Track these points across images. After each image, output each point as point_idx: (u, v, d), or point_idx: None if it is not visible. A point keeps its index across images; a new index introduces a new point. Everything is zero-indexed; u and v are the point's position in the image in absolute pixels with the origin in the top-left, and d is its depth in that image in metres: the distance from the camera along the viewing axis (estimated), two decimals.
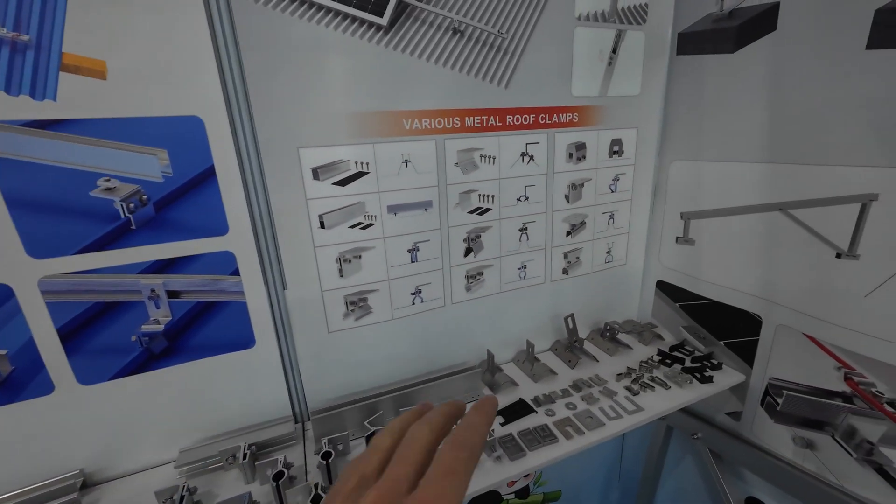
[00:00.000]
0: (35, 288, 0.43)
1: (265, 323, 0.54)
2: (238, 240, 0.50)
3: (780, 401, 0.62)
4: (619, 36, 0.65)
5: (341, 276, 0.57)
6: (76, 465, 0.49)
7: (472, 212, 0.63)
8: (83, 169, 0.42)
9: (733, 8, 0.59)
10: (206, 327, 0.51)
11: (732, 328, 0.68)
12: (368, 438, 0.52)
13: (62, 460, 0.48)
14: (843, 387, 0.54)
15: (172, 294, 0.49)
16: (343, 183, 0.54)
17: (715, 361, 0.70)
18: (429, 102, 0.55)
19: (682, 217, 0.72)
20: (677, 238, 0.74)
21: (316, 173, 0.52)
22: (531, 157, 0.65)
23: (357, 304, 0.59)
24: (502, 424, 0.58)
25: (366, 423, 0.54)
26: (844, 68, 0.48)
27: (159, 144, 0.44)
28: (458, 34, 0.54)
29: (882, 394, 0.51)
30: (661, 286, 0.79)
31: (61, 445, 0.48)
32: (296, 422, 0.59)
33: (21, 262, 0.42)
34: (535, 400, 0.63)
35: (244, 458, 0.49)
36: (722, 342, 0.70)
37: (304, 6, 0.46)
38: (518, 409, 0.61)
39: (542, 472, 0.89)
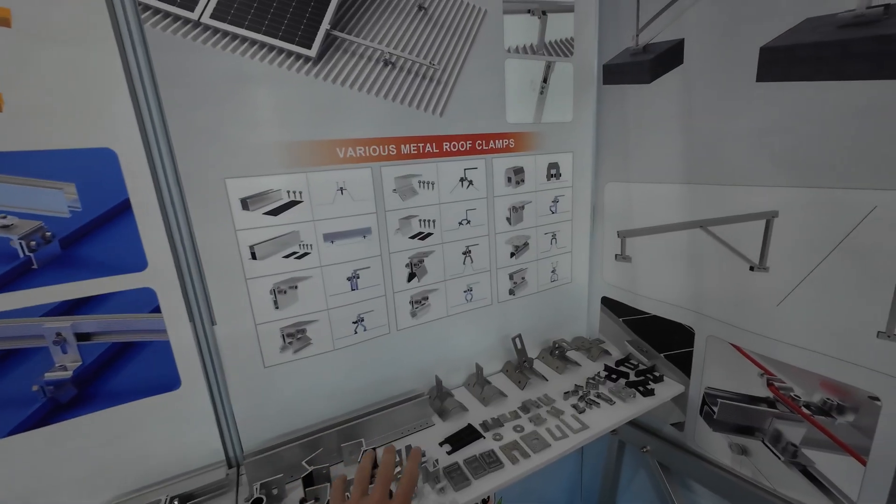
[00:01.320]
0: None
1: (192, 362, 0.51)
2: (159, 275, 0.47)
3: (715, 409, 0.64)
4: (548, 67, 0.69)
5: (276, 307, 0.55)
6: None
7: (413, 237, 0.63)
8: None
9: (647, 43, 0.64)
10: (123, 370, 0.47)
11: (670, 341, 0.70)
12: (305, 479, 0.49)
13: None
14: (766, 392, 0.57)
15: (82, 336, 0.45)
16: (275, 212, 0.52)
17: (657, 374, 0.72)
18: (363, 131, 0.56)
19: (618, 235, 0.76)
20: (616, 255, 0.77)
21: (245, 203, 0.51)
22: (470, 182, 0.66)
23: (295, 336, 0.57)
24: (449, 453, 0.57)
25: (303, 462, 0.51)
26: (740, 98, 0.53)
27: (66, 178, 0.42)
28: (390, 65, 0.56)
29: (799, 397, 0.54)
30: (606, 302, 0.82)
31: None
32: (230, 467, 0.55)
33: None
34: (484, 424, 0.62)
35: None
36: (662, 355, 0.72)
37: (227, 38, 0.46)
38: (465, 436, 0.60)
39: (500, 494, 0.87)
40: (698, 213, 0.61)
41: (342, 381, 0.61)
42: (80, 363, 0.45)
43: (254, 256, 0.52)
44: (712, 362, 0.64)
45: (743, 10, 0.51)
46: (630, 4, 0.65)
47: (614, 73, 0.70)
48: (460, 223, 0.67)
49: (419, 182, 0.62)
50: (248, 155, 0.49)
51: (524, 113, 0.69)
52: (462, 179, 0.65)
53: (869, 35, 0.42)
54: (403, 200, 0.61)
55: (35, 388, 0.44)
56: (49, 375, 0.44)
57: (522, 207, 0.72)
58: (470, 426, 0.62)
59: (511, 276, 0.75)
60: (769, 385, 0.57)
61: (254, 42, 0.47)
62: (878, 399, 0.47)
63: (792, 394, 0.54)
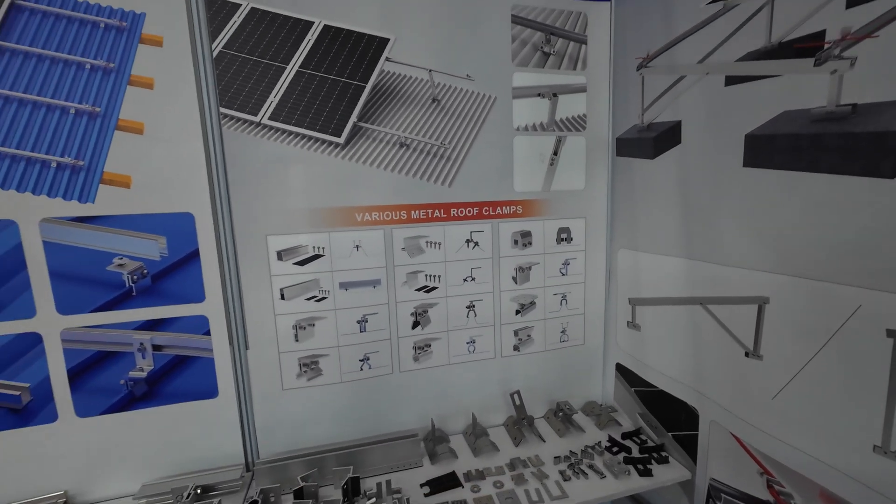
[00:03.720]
0: (57, 337, 0.57)
1: (227, 377, 0.64)
2: (211, 307, 0.62)
3: None
4: (559, 141, 0.75)
5: (296, 340, 0.66)
6: (62, 486, 0.59)
7: (419, 289, 0.72)
8: (104, 250, 0.57)
9: (651, 122, 0.66)
10: (179, 377, 0.62)
11: (677, 419, 0.67)
12: (297, 493, 0.58)
13: (52, 481, 0.59)
14: (767, 495, 0.52)
15: (156, 347, 0.61)
16: (302, 263, 0.65)
17: (664, 454, 0.68)
18: (378, 199, 0.67)
19: (629, 303, 0.75)
20: (627, 322, 0.76)
21: (280, 255, 0.64)
22: (476, 244, 0.73)
23: (309, 366, 0.68)
24: (426, 495, 0.61)
25: (298, 478, 0.60)
26: (731, 180, 0.53)
27: (161, 232, 0.59)
28: (405, 147, 0.67)
29: None
30: (620, 369, 0.80)
31: (53, 468, 0.59)
32: (247, 470, 0.67)
33: (50, 317, 0.56)
34: (468, 474, 0.65)
35: (187, 497, 0.57)
36: (670, 434, 0.68)
37: (277, 132, 0.61)
38: (445, 482, 0.63)
39: None
40: (698, 290, 0.60)
41: (346, 411, 0.70)
42: (153, 367, 0.61)
43: (283, 297, 0.65)
44: (716, 451, 0.59)
45: (730, 98, 0.53)
46: (636, 85, 0.68)
47: (624, 146, 0.73)
48: (465, 280, 0.74)
49: (426, 242, 0.71)
50: (285, 217, 0.63)
51: (532, 182, 0.74)
52: (468, 241, 0.73)
53: (838, 131, 0.41)
54: (411, 257, 0.70)
55: (122, 381, 0.60)
56: (132, 373, 0.60)
57: (529, 268, 0.77)
58: (454, 473, 0.65)
59: (516, 333, 0.78)
60: (769, 487, 0.51)
61: (297, 134, 0.62)
62: None
63: (792, 501, 0.49)
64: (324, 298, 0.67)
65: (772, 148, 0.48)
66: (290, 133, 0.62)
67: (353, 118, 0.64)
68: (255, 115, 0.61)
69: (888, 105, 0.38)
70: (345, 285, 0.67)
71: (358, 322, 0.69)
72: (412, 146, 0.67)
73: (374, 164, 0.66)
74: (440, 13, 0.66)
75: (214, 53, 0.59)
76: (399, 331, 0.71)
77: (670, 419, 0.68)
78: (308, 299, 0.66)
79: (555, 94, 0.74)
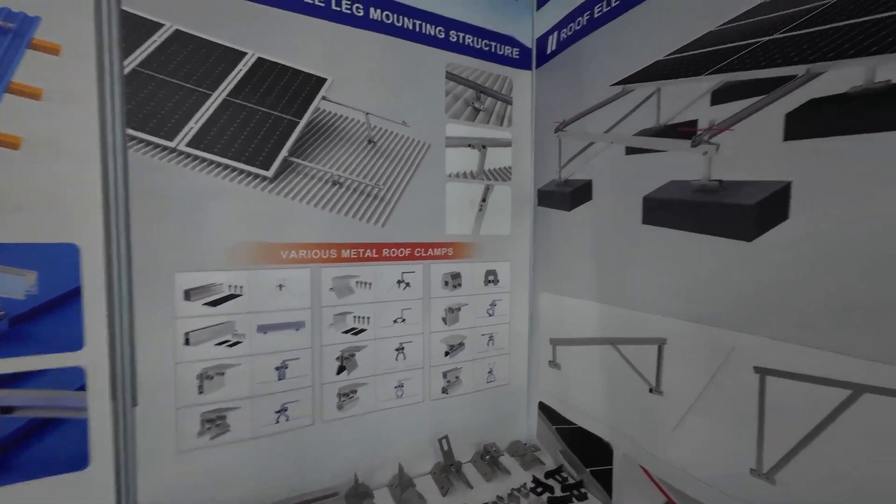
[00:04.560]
0: None
1: (105, 442, 0.53)
2: (91, 356, 0.52)
3: None
4: (487, 189, 0.80)
5: (200, 392, 0.58)
6: None
7: (346, 332, 0.68)
8: None
9: (568, 178, 0.74)
10: (35, 447, 0.50)
11: (594, 455, 0.70)
12: None
13: None
14: None
15: (5, 410, 0.49)
16: (215, 304, 0.59)
17: (583, 490, 0.71)
18: (307, 236, 0.64)
19: (550, 342, 0.80)
20: (549, 362, 0.80)
21: (188, 294, 0.57)
22: (407, 284, 0.73)
23: (214, 421, 0.59)
24: None
25: None
26: (634, 234, 0.61)
27: (33, 266, 0.49)
28: (339, 185, 0.66)
29: None
30: (543, 408, 0.83)
31: None
32: None
33: None
34: None
35: None
36: (589, 470, 0.72)
37: (196, 161, 0.56)
38: None
39: None
40: (609, 331, 0.66)
41: (257, 472, 0.62)
42: None
43: (187, 342, 0.57)
44: (628, 484, 0.64)
45: (630, 165, 0.61)
46: (555, 145, 0.77)
47: (545, 197, 0.81)
48: (395, 321, 0.72)
49: (357, 282, 0.69)
50: (198, 253, 0.57)
51: (463, 226, 0.78)
52: (399, 281, 0.72)
53: (710, 201, 0.50)
54: (339, 298, 0.67)
55: None
56: None
57: (459, 309, 0.78)
58: None
59: (445, 375, 0.77)
60: None
61: (219, 164, 0.58)
62: None
63: None
64: (238, 343, 0.60)
65: (662, 210, 0.57)
66: (212, 162, 0.57)
67: (284, 152, 0.62)
68: (171, 140, 0.55)
69: (745, 183, 0.47)
70: (264, 328, 0.62)
71: (277, 369, 0.63)
72: (346, 185, 0.66)
73: (304, 201, 0.63)
74: (381, 62, 0.68)
75: (126, 70, 0.53)
76: (323, 376, 0.67)
77: (588, 455, 0.72)
78: (219, 344, 0.59)
79: (484, 146, 0.79)
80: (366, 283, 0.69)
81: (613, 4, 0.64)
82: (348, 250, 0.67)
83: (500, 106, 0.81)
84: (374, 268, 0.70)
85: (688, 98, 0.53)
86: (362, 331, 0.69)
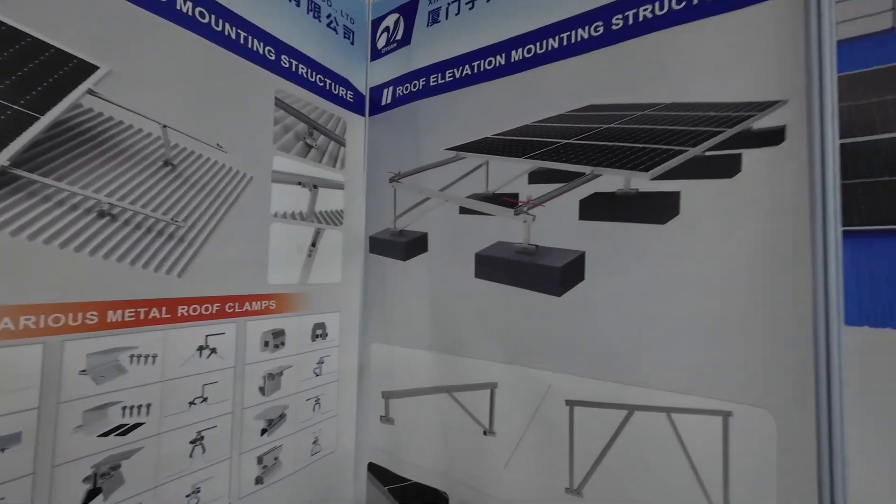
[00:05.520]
0: None
1: None
2: None
3: None
4: (317, 233, 0.72)
5: None
6: None
7: (107, 433, 0.46)
8: None
9: (403, 228, 0.75)
10: None
11: None
12: None
13: None
14: None
15: None
16: None
17: None
18: (39, 294, 0.41)
19: (382, 396, 0.76)
20: (381, 417, 0.76)
21: None
22: (213, 351, 0.56)
23: None
24: None
25: None
26: (466, 287, 0.66)
27: None
28: (109, 216, 0.46)
29: None
30: (373, 469, 0.77)
31: None
32: None
33: None
34: None
35: None
36: None
37: None
38: None
39: None
40: (445, 380, 0.69)
41: None
42: None
43: None
44: None
45: (463, 223, 0.68)
46: (390, 194, 0.77)
47: (378, 245, 0.79)
48: (192, 403, 0.54)
49: (132, 356, 0.48)
50: None
51: (289, 274, 0.67)
52: (202, 348, 0.55)
53: (528, 261, 0.61)
54: (99, 384, 0.45)
55: None
56: None
57: (281, 373, 0.65)
58: None
59: (260, 460, 0.62)
60: None
61: None
62: None
63: None
64: None
65: (491, 266, 0.64)
66: None
67: (4, 161, 0.39)
68: None
69: (555, 249, 0.59)
70: None
71: None
72: (121, 217, 0.47)
73: (41, 238, 0.41)
74: (191, 66, 0.53)
75: None
76: None
77: None
78: None
79: (315, 186, 0.72)
80: (147, 357, 0.49)
81: (447, 79, 0.71)
82: (118, 311, 0.47)
83: (333, 146, 0.76)
84: (161, 333, 0.51)
85: (511, 174, 0.63)
86: (137, 426, 0.48)
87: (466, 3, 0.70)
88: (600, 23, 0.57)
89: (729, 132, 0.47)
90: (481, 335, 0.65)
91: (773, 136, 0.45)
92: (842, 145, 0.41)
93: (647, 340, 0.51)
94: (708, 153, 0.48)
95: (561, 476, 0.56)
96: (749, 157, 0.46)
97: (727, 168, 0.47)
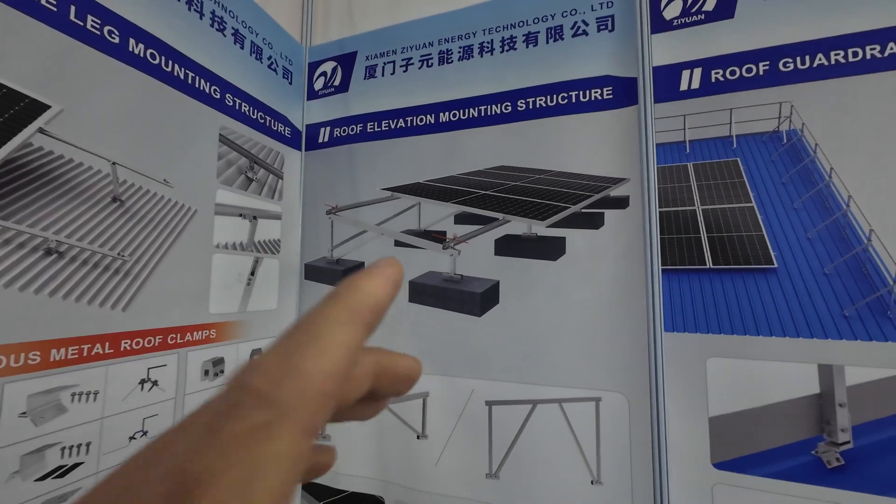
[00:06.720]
0: None
1: None
2: None
3: None
4: (256, 262, 0.75)
5: None
6: None
7: (44, 477, 0.45)
8: None
9: (340, 257, 0.82)
10: None
11: None
12: None
13: None
14: None
15: None
16: None
17: None
18: None
19: None
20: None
21: None
22: (154, 383, 0.56)
23: None
24: None
25: None
26: (401, 311, 0.76)
27: None
28: (55, 254, 0.46)
29: None
30: (307, 488, 0.80)
31: None
32: None
33: None
34: None
35: None
36: None
37: None
38: None
39: None
40: None
41: None
42: None
43: None
44: None
45: (398, 254, 0.78)
46: (327, 225, 0.84)
47: (314, 272, 0.85)
48: (132, 437, 0.53)
49: (74, 394, 0.47)
50: None
51: (229, 303, 0.69)
52: (144, 381, 0.55)
53: (454, 288, 0.73)
54: (38, 426, 0.44)
55: None
56: None
57: None
58: None
59: None
60: None
61: None
62: None
63: None
64: None
65: (423, 292, 0.75)
66: None
67: None
68: None
69: (476, 278, 0.72)
70: None
71: None
72: (68, 255, 0.47)
73: None
74: (141, 105, 0.55)
75: None
76: None
77: None
78: None
79: (255, 217, 0.75)
80: (88, 395, 0.49)
81: (384, 129, 0.82)
82: (62, 350, 0.46)
83: (272, 179, 0.80)
84: (104, 369, 0.50)
85: (439, 215, 0.76)
86: (76, 466, 0.47)
87: (400, 66, 0.82)
88: (509, 103, 0.73)
89: (596, 196, 0.66)
90: (415, 352, 0.75)
91: (622, 202, 0.65)
92: (660, 212, 0.62)
93: (543, 348, 0.67)
94: (584, 210, 0.67)
95: (482, 464, 0.69)
96: (609, 215, 0.65)
97: (595, 221, 0.66)
